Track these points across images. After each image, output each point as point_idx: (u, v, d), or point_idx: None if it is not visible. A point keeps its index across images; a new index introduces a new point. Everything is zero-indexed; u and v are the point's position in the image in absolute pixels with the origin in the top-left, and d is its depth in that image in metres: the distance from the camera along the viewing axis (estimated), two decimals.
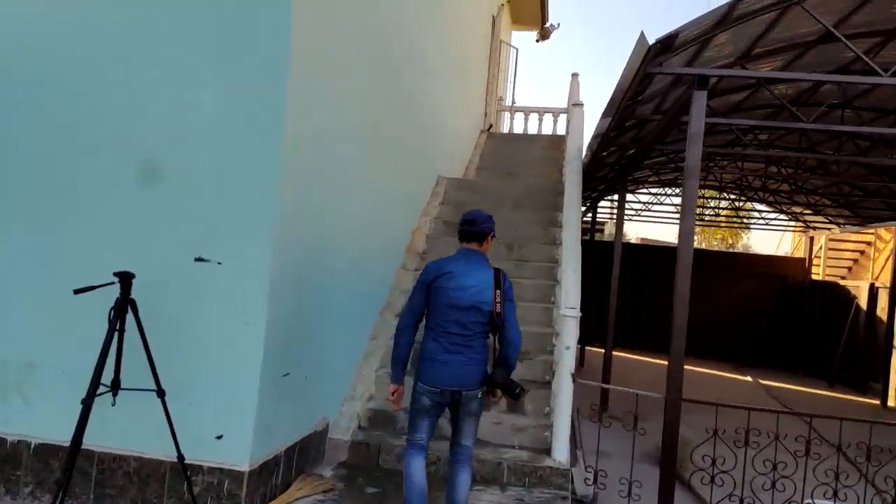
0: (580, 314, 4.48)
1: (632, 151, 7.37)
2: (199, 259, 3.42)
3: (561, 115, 13.99)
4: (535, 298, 6.09)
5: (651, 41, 3.82)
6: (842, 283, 14.13)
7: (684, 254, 4.06)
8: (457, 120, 9.61)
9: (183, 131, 3.45)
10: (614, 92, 5.06)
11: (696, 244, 29.99)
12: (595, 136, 6.67)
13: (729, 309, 15.51)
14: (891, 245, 13.66)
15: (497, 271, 3.21)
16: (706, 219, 20.18)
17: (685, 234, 4.11)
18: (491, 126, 13.36)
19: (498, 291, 3.11)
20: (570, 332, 4.41)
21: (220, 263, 3.41)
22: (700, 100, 4.10)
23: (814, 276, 15.27)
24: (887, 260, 13.38)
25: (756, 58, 5.38)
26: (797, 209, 14.25)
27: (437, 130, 7.92)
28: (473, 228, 3.27)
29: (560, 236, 6.83)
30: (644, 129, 6.97)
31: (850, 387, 12.59)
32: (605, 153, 7.39)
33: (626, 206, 9.93)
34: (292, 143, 3.48)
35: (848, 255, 18.05)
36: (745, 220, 20.30)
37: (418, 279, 3.25)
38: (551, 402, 4.86)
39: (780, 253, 27.16)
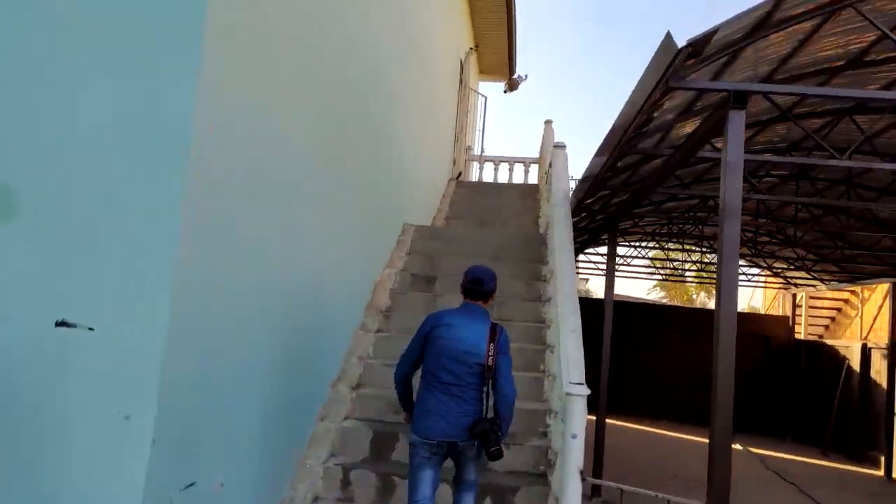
0: (588, 391, 3.52)
1: (625, 196, 6.59)
2: (61, 323, 2.37)
3: (532, 164, 13.45)
4: (521, 366, 5.10)
5: (680, 44, 3.03)
6: (830, 342, 13.53)
7: (727, 308, 3.19)
8: (425, 164, 8.81)
9: (51, 150, 2.46)
10: (618, 120, 4.28)
11: (666, 301, 29.65)
12: (584, 179, 5.89)
13: (709, 370, 14.76)
14: (875, 302, 13.25)
15: (494, 325, 3.25)
16: (679, 274, 19.72)
17: (728, 284, 3.26)
18: (460, 174, 12.64)
19: (492, 345, 3.15)
20: (577, 416, 3.44)
21: (91, 329, 2.37)
22: (738, 122, 3.33)
23: (797, 336, 14.72)
24: (875, 318, 12.91)
25: (777, 83, 4.70)
26: (778, 264, 13.81)
27: (404, 173, 7.07)
28: (482, 288, 3.32)
29: (546, 292, 5.94)
30: (638, 171, 6.22)
31: (845, 455, 11.80)
32: (591, 199, 6.60)
33: (593, 260, 9.22)
34: (202, 176, 2.51)
35: (825, 312, 17.68)
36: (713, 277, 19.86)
37: (417, 331, 3.31)
38: (549, 502, 3.84)
39: (750, 310, 26.86)
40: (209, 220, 2.62)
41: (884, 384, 11.04)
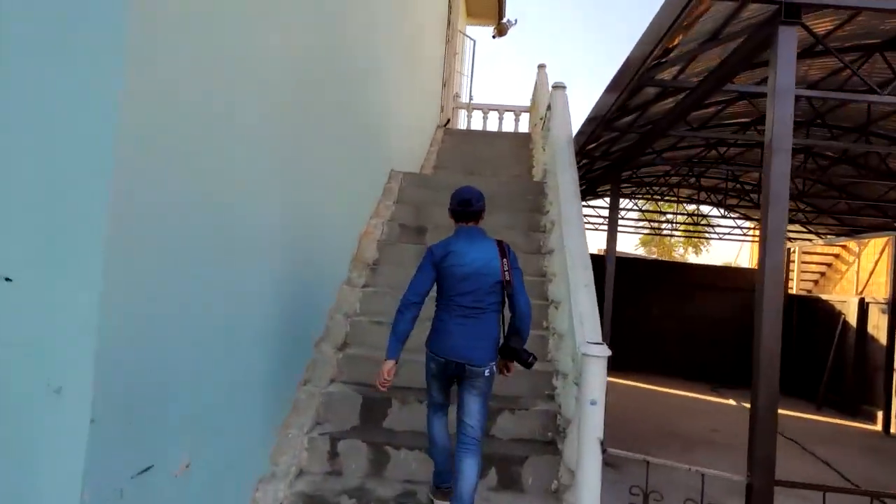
0: (608, 351, 3.11)
1: (631, 141, 6.09)
2: None
3: (523, 113, 12.93)
4: None
5: None
6: (825, 297, 13.37)
7: (773, 262, 2.77)
8: (411, 108, 8.23)
9: None
10: (637, 48, 3.77)
11: (655, 256, 29.49)
12: (590, 120, 5.39)
13: (701, 325, 14.69)
14: (871, 256, 13.05)
15: (499, 242, 3.23)
16: (666, 229, 19.44)
17: (775, 232, 2.82)
18: (449, 121, 12.05)
19: (504, 260, 3.15)
20: (595, 380, 3.04)
21: (8, 280, 1.88)
22: (789, 40, 2.84)
23: (789, 291, 14.55)
24: (871, 273, 12.74)
25: None
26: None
27: (389, 116, 6.50)
28: (471, 209, 3.25)
29: (547, 243, 5.51)
30: (646, 112, 5.72)
31: (839, 410, 11.76)
32: (593, 144, 6.11)
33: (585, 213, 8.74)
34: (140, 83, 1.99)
35: (815, 267, 17.54)
36: (705, 231, 19.61)
37: (424, 258, 3.21)
38: (560, 474, 3.48)
39: (739, 264, 26.83)
40: (148, 161, 2.11)
41: (881, 339, 10.91)
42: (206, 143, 2.48)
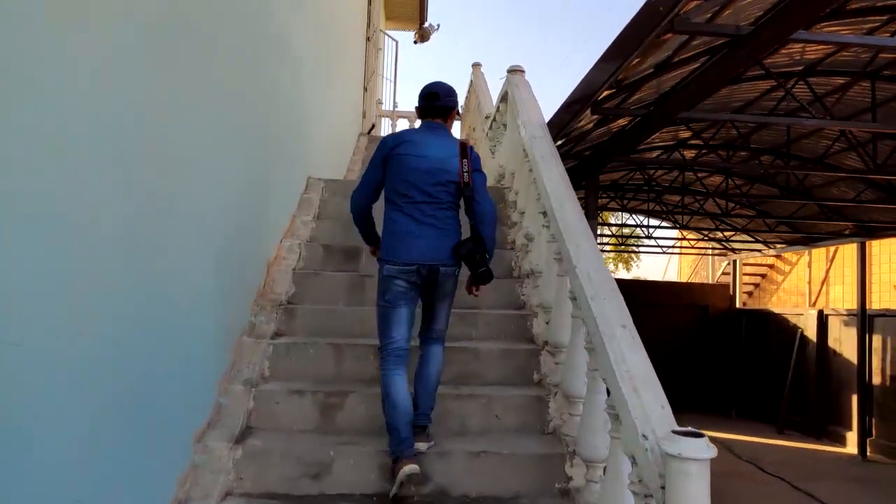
0: (712, 449, 1.82)
1: (622, 127, 4.95)
2: None
3: (455, 121, 11.77)
4: (502, 377, 3.42)
5: None
6: (777, 311, 12.81)
7: None
8: (332, 107, 6.83)
9: None
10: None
11: None
12: (572, 102, 4.17)
13: (645, 344, 13.90)
14: (818, 265, 12.68)
15: (462, 142, 2.99)
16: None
17: None
18: (373, 127, 10.69)
19: (465, 161, 2.92)
20: (698, 499, 1.73)
21: None
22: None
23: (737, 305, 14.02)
24: (823, 283, 12.32)
25: None
26: (703, 225, 12.89)
27: (304, 110, 5.06)
28: (436, 103, 2.99)
29: (523, 263, 4.26)
30: (639, 89, 4.58)
31: (802, 432, 11.07)
32: (563, 139, 4.92)
33: None
34: None
35: (748, 279, 17.31)
36: (633, 247, 19.13)
37: (376, 151, 2.97)
38: None
39: (668, 279, 26.75)
40: None
41: (845, 353, 10.34)
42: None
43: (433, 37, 16.13)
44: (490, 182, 6.41)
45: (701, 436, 1.82)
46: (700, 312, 13.81)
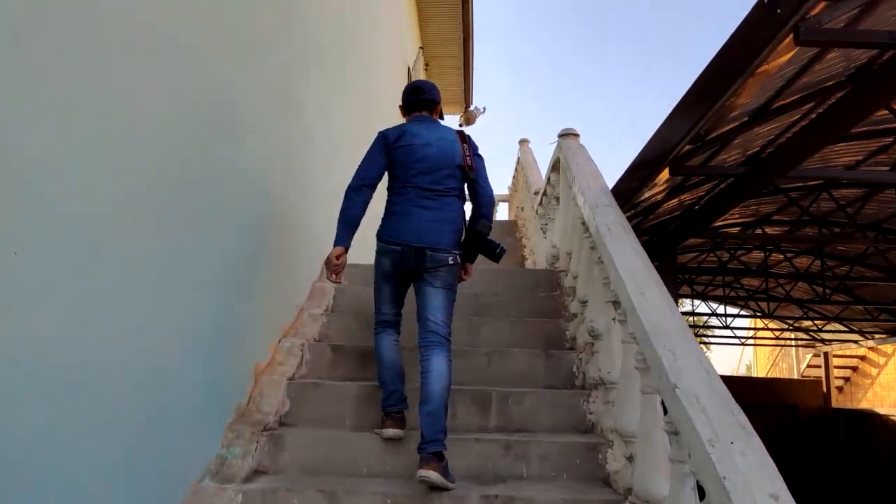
0: None
1: (714, 191, 4.04)
2: None
3: (500, 202, 11.20)
4: None
5: None
6: (883, 412, 11.07)
7: None
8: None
9: None
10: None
11: None
12: (639, 165, 3.33)
13: None
14: None
15: (459, 131, 3.07)
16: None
17: None
18: None
19: (465, 146, 2.99)
20: None
21: None
22: None
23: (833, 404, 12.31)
24: None
25: None
26: (808, 321, 11.47)
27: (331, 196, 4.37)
28: (422, 96, 3.09)
29: (588, 368, 3.30)
30: (730, 144, 3.70)
31: None
32: (629, 212, 4.04)
33: None
34: None
35: (837, 372, 15.53)
36: (705, 336, 17.60)
37: (374, 142, 2.98)
38: None
39: (740, 373, 24.72)
40: None
41: None
42: None
43: (479, 119, 15.92)
44: (542, 264, 5.57)
45: None
46: (789, 413, 12.16)
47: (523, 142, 9.43)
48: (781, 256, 8.12)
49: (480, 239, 2.93)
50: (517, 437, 2.81)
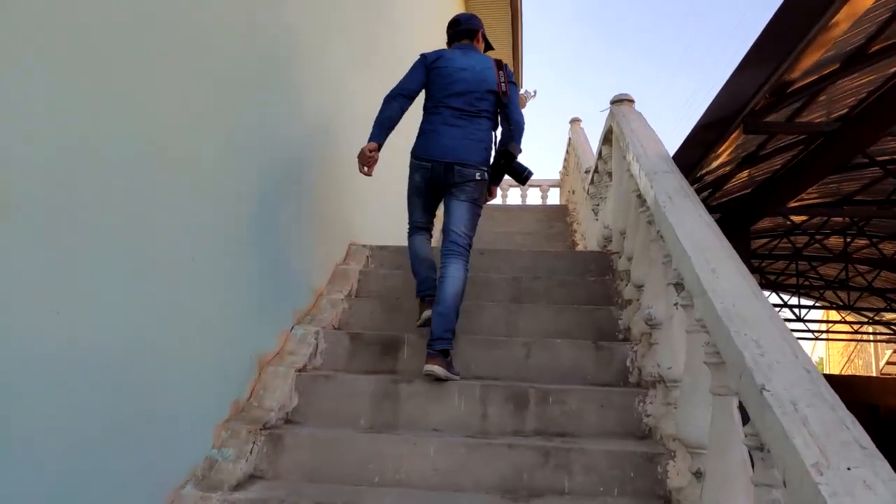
0: None
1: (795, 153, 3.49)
2: None
3: (550, 188, 10.67)
4: None
5: None
6: None
7: None
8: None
9: None
10: None
11: None
12: (706, 126, 2.83)
13: None
14: None
15: (496, 59, 3.15)
16: None
17: None
18: None
19: (500, 73, 3.09)
20: None
21: None
22: None
23: None
24: None
25: None
26: (890, 314, 10.51)
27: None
28: (460, 28, 3.23)
29: (644, 361, 2.83)
30: (817, 98, 3.13)
31: None
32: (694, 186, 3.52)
33: None
34: None
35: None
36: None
37: (413, 66, 3.12)
38: None
39: (819, 365, 23.41)
40: None
41: None
42: None
43: (529, 103, 15.41)
44: (592, 246, 5.08)
45: None
46: (869, 413, 11.23)
47: (575, 121, 8.89)
48: (865, 241, 7.33)
49: (510, 160, 3.05)
50: (558, 444, 2.37)
